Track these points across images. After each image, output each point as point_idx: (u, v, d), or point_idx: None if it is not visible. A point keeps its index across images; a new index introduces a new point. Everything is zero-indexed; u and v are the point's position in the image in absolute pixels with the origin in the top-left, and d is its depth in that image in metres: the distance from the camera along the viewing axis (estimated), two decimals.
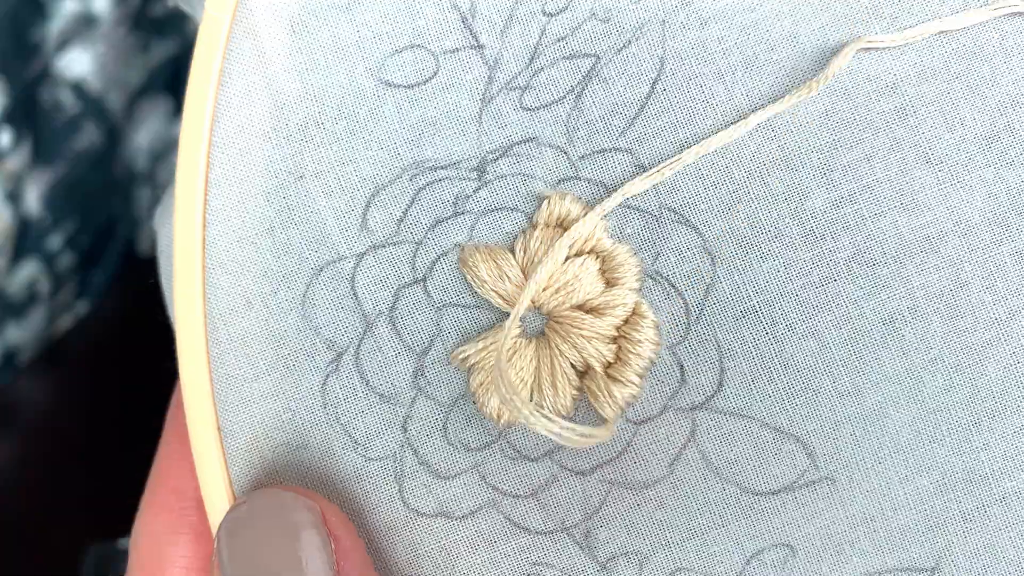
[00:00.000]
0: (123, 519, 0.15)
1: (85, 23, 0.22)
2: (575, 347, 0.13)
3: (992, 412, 0.13)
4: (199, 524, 0.14)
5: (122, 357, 0.24)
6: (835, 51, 0.13)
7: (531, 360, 0.13)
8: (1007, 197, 0.13)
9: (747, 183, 0.13)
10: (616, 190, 0.13)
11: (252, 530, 0.12)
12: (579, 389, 0.13)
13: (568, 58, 0.13)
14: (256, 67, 0.13)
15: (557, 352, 0.13)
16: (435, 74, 0.13)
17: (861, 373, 0.13)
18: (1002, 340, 0.13)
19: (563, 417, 0.13)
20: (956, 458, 0.13)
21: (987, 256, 0.13)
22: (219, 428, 0.13)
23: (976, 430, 0.13)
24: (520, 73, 0.13)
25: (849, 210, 0.13)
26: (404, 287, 0.13)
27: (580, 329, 0.13)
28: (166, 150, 0.25)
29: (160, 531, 0.14)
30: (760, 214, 0.13)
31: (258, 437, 0.13)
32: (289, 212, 0.13)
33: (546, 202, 0.13)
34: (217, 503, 0.13)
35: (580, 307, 0.13)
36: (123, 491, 0.15)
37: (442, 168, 0.13)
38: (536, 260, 0.13)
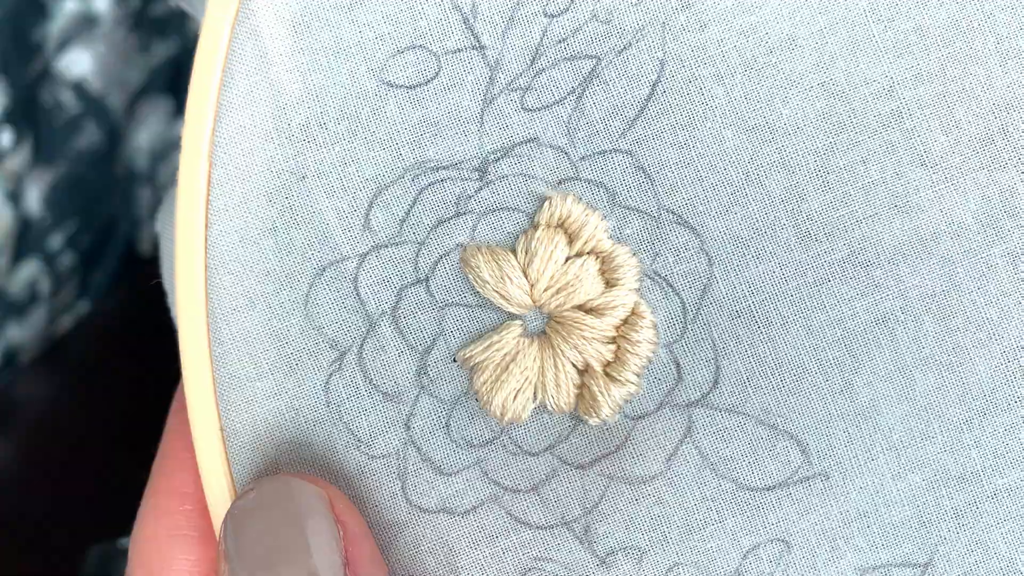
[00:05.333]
0: (123, 519, 0.15)
1: (86, 23, 0.22)
2: (576, 348, 0.13)
3: (983, 410, 0.13)
4: (202, 526, 0.14)
5: (122, 357, 0.24)
6: (833, 53, 0.13)
7: (535, 359, 0.13)
8: (1000, 199, 0.13)
9: (745, 185, 0.13)
10: (616, 191, 0.13)
11: (259, 517, 0.12)
12: (578, 387, 0.13)
13: (569, 59, 0.13)
14: (258, 67, 0.13)
15: (560, 352, 0.13)
16: (437, 74, 0.13)
17: (854, 372, 0.13)
18: (993, 340, 0.13)
19: (567, 414, 0.13)
20: (948, 455, 0.13)
21: (979, 258, 0.13)
22: (222, 428, 0.13)
23: (967, 428, 0.13)
24: (521, 74, 0.13)
25: (844, 212, 0.13)
26: (407, 287, 0.13)
27: (581, 330, 0.13)
28: (166, 150, 0.25)
29: (162, 534, 0.14)
30: (757, 215, 0.13)
31: (261, 436, 0.13)
32: (291, 212, 0.13)
33: (547, 202, 0.13)
34: (220, 503, 0.13)
35: (580, 307, 0.13)
36: (123, 491, 0.15)
37: (444, 168, 0.13)
38: (537, 260, 0.13)
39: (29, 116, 0.21)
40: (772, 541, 0.13)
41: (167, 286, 0.15)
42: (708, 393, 0.13)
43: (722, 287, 0.13)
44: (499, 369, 0.13)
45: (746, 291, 0.13)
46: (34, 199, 0.22)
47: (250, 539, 0.12)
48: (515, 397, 0.13)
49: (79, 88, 0.22)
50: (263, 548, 0.12)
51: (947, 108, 0.13)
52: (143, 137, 0.24)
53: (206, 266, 0.13)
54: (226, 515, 0.12)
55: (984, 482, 0.13)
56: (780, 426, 0.13)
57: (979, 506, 0.13)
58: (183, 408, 0.14)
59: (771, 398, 0.13)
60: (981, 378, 0.13)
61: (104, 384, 0.24)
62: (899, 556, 0.13)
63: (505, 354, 0.13)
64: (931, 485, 0.13)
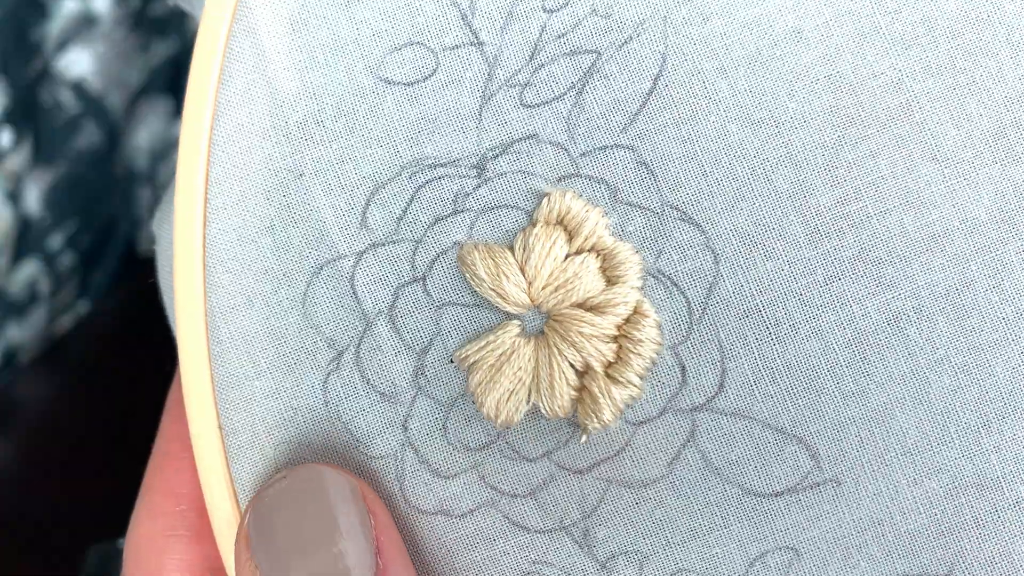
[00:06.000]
0: (123, 519, 0.15)
1: (85, 23, 0.22)
2: (574, 346, 0.13)
3: (1002, 414, 0.13)
4: (198, 525, 0.14)
5: (122, 357, 0.24)
6: (839, 47, 0.13)
7: (529, 360, 0.13)
8: (1014, 194, 0.13)
9: (751, 180, 0.13)
10: (618, 187, 0.13)
11: (290, 504, 0.12)
12: (578, 390, 0.13)
13: (569, 54, 0.13)
14: (256, 65, 0.13)
15: (556, 351, 0.13)
16: (435, 71, 0.13)
17: (866, 374, 0.13)
18: (1010, 340, 0.13)
19: (563, 418, 0.13)
20: (966, 461, 0.13)
21: (993, 254, 0.13)
22: (220, 427, 0.13)
23: (986, 432, 0.13)
24: (520, 70, 0.13)
25: (854, 208, 0.13)
26: (404, 286, 0.13)
27: (580, 327, 0.13)
28: (166, 150, 0.25)
29: (157, 534, 0.14)
30: (764, 211, 0.13)
31: (259, 435, 0.13)
32: (289, 210, 0.13)
33: (546, 199, 0.13)
34: (219, 503, 0.13)
35: (580, 305, 0.13)
36: (123, 491, 0.15)
37: (442, 166, 0.13)
38: (534, 257, 0.13)
39: (29, 116, 0.21)
40: (781, 549, 0.13)
41: (162, 286, 0.15)
42: (713, 397, 0.13)
43: (729, 286, 0.13)
44: (493, 369, 0.13)
45: (754, 290, 0.13)
46: (34, 199, 0.22)
47: (279, 527, 0.12)
48: (508, 398, 0.13)
49: (79, 88, 0.22)
50: (293, 536, 0.12)
51: (958, 101, 0.13)
52: (143, 137, 0.24)
53: (204, 264, 0.13)
54: (251, 502, 0.12)
55: (1005, 489, 0.13)
56: (789, 430, 0.13)
57: (1001, 514, 0.13)
58: (176, 408, 0.14)
59: (780, 401, 0.13)
60: (999, 380, 0.13)
61: (104, 384, 0.24)
62: (917, 567, 0.13)
63: (500, 354, 0.13)
64: (949, 492, 0.13)
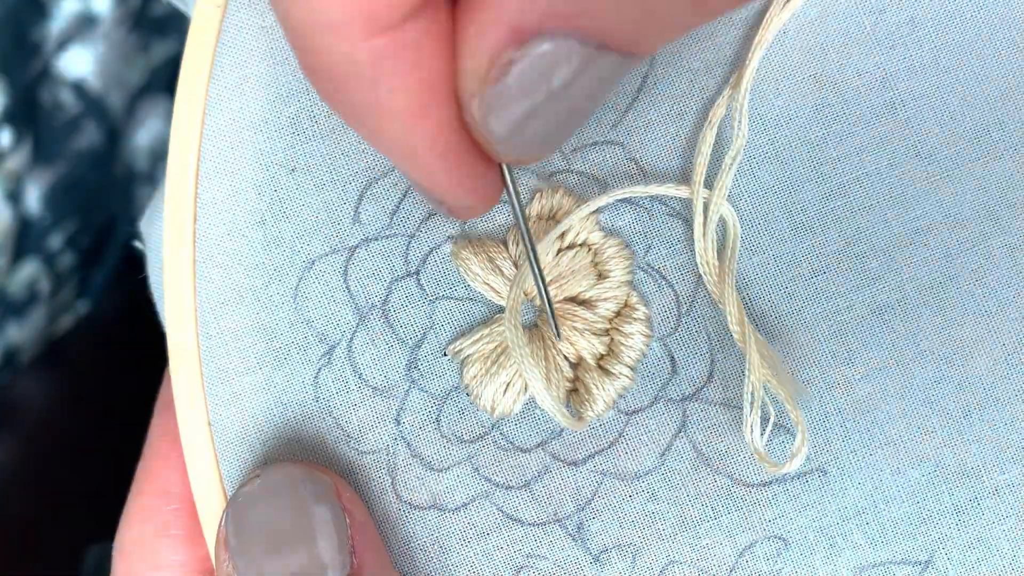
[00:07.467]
0: None
1: (85, 23, 0.22)
2: (567, 340, 0.13)
3: (983, 404, 0.13)
4: (188, 525, 0.14)
5: (122, 357, 0.24)
6: (825, 46, 0.13)
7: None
8: (996, 190, 0.13)
9: (737, 176, 0.13)
10: (608, 182, 0.13)
11: (265, 504, 0.12)
12: (572, 381, 0.13)
13: None
14: (248, 60, 0.13)
15: (550, 344, 0.13)
16: None
17: (850, 365, 0.13)
18: (992, 333, 0.13)
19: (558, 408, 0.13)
20: (947, 450, 0.13)
21: (977, 249, 0.13)
22: (210, 423, 0.13)
23: (967, 422, 0.13)
24: None
25: (839, 203, 0.13)
26: (397, 280, 0.13)
27: (572, 321, 0.13)
28: (166, 150, 0.25)
29: (148, 535, 0.14)
30: (749, 207, 0.13)
31: (249, 431, 0.13)
32: (281, 205, 0.13)
33: (538, 195, 0.13)
34: (208, 499, 0.13)
35: (572, 299, 0.13)
36: (123, 491, 0.15)
37: None
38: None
39: (29, 116, 0.21)
40: (769, 538, 0.13)
41: (152, 284, 0.15)
42: (703, 387, 0.13)
43: None
44: (489, 362, 0.13)
45: (741, 283, 0.13)
46: (34, 199, 0.22)
47: (254, 526, 0.12)
48: (505, 391, 0.13)
49: (79, 88, 0.22)
50: (268, 535, 0.12)
51: (941, 99, 0.13)
52: (143, 137, 0.24)
53: (194, 260, 0.13)
54: (228, 502, 0.12)
55: (985, 478, 0.13)
56: (776, 420, 0.13)
57: (980, 502, 0.13)
58: (167, 408, 0.14)
59: (767, 391, 0.13)
60: (980, 371, 0.13)
61: (104, 384, 0.24)
62: (899, 554, 0.13)
63: (495, 347, 0.13)
64: (931, 481, 0.13)
